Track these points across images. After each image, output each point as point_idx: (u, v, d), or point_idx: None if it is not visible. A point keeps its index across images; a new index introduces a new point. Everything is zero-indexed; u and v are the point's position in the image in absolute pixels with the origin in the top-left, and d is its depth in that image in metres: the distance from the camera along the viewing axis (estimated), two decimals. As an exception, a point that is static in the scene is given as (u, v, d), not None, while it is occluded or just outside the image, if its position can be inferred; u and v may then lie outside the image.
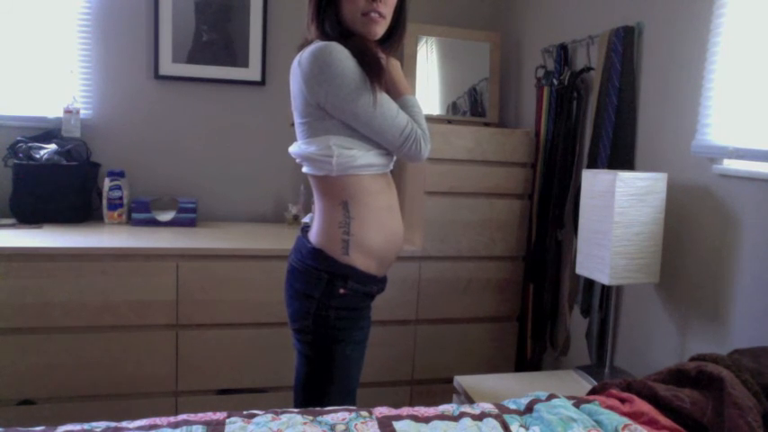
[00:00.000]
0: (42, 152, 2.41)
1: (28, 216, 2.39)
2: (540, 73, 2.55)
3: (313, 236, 1.46)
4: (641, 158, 2.01)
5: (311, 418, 1.18)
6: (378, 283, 1.50)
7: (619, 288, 2.06)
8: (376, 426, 1.16)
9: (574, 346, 2.33)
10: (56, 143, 2.47)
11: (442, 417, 1.22)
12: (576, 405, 1.27)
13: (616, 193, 1.70)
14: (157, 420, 1.17)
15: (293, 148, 1.48)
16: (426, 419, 1.20)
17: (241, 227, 2.65)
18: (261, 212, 2.83)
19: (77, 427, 1.12)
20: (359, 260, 1.43)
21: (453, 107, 2.76)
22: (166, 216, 2.55)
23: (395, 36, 1.50)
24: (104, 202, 2.53)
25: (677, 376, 1.33)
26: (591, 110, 2.17)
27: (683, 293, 1.82)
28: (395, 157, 1.51)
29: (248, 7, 2.69)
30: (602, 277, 1.76)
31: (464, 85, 2.77)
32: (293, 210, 2.75)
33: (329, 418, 1.19)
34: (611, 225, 1.71)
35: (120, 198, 2.53)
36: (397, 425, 1.17)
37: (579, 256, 1.88)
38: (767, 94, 1.56)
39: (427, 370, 2.49)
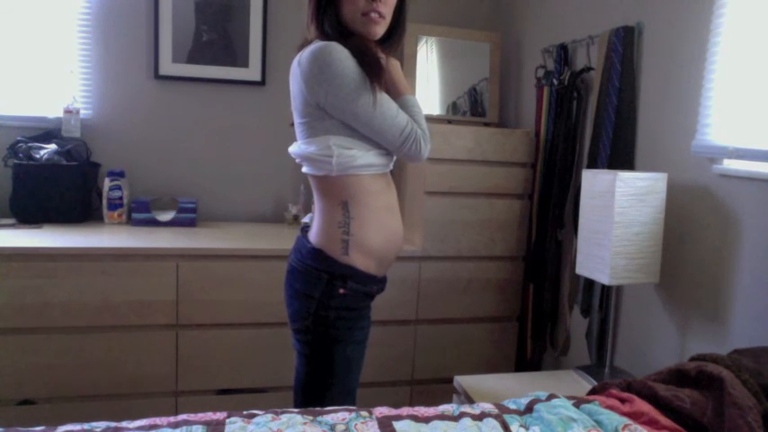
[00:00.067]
0: (42, 152, 2.41)
1: (28, 216, 2.39)
2: (540, 73, 2.55)
3: (313, 236, 1.46)
4: (641, 158, 2.01)
5: (311, 418, 1.18)
6: (377, 283, 1.50)
7: (619, 288, 2.06)
8: (376, 426, 1.16)
9: (574, 346, 2.33)
10: (56, 143, 2.47)
11: (442, 417, 1.22)
12: (576, 405, 1.27)
13: (616, 193, 1.70)
14: (157, 420, 1.17)
15: (293, 148, 1.48)
16: (426, 419, 1.20)
17: (241, 227, 2.65)
18: (261, 212, 2.83)
19: (77, 427, 1.12)
20: (359, 260, 1.43)
21: (453, 107, 2.76)
22: (166, 216, 2.55)
23: (395, 36, 1.50)
24: (104, 202, 2.53)
25: (677, 376, 1.33)
26: (591, 110, 2.17)
27: (683, 293, 1.82)
28: (395, 157, 1.51)
29: (248, 7, 2.69)
30: (602, 277, 1.76)
31: (464, 85, 2.77)
32: (293, 210, 2.75)
33: (329, 418, 1.19)
34: (611, 225, 1.71)
35: (120, 198, 2.53)
36: (397, 425, 1.17)
37: (579, 256, 1.88)
38: (767, 94, 1.56)
39: (427, 370, 2.49)
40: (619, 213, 1.71)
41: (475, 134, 2.40)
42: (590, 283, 2.14)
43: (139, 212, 2.50)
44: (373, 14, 1.39)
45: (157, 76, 2.64)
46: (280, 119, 2.71)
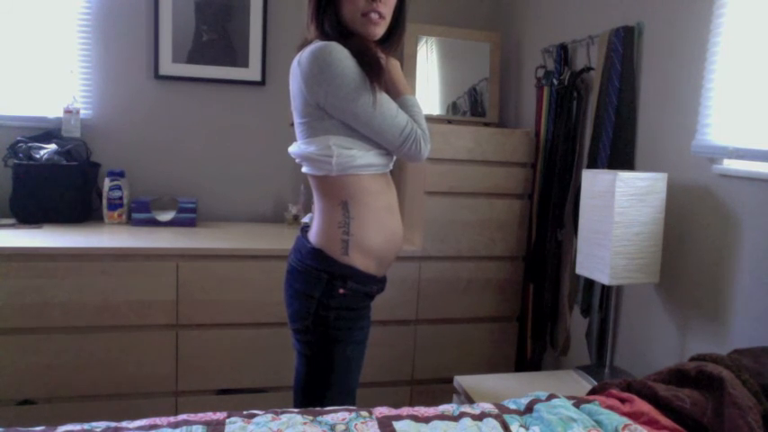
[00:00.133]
0: (42, 152, 2.41)
1: (28, 216, 2.39)
2: (540, 73, 2.54)
3: (313, 236, 1.46)
4: (641, 158, 2.01)
5: (311, 418, 1.18)
6: (377, 283, 1.50)
7: (619, 288, 2.06)
8: (376, 426, 1.16)
9: (574, 346, 2.33)
10: (56, 143, 2.47)
11: (442, 417, 1.22)
12: (576, 405, 1.27)
13: (616, 193, 1.70)
14: (157, 420, 1.17)
15: (293, 148, 1.48)
16: (426, 419, 1.20)
17: (241, 227, 2.65)
18: (261, 212, 2.83)
19: (77, 427, 1.12)
20: (358, 260, 1.43)
21: (453, 107, 2.76)
22: (166, 216, 2.55)
23: (394, 36, 1.50)
24: (104, 202, 2.53)
25: (677, 376, 1.33)
26: (591, 110, 2.17)
27: (683, 293, 1.82)
28: (395, 157, 1.51)
29: (248, 7, 2.69)
30: (602, 277, 1.76)
31: (464, 85, 2.77)
32: (293, 210, 2.75)
33: (329, 418, 1.19)
34: (611, 225, 1.71)
35: (120, 198, 2.53)
36: (397, 425, 1.17)
37: (579, 256, 1.88)
38: (767, 94, 1.56)
39: (427, 370, 2.49)
40: (619, 213, 1.71)
41: (475, 134, 2.40)
42: (590, 283, 2.14)
43: (139, 212, 2.50)
44: (373, 15, 1.39)
45: (157, 76, 2.64)
46: (280, 119, 2.71)
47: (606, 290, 2.05)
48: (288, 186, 2.83)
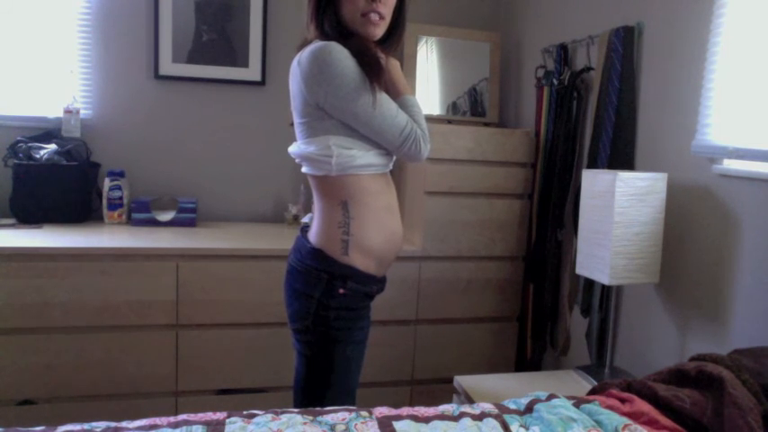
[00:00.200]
0: (42, 152, 2.41)
1: (28, 216, 2.40)
2: (540, 73, 2.54)
3: (312, 236, 1.46)
4: (641, 158, 2.01)
5: (311, 418, 1.18)
6: (377, 283, 1.50)
7: (619, 288, 2.06)
8: (376, 426, 1.16)
9: (574, 346, 2.33)
10: (56, 143, 2.47)
11: (442, 417, 1.22)
12: (576, 405, 1.27)
13: (616, 193, 1.70)
14: (157, 420, 1.17)
15: (293, 149, 1.48)
16: (426, 419, 1.20)
17: (241, 227, 2.65)
18: (261, 212, 2.83)
19: (77, 427, 1.12)
20: (358, 260, 1.43)
21: (453, 107, 2.76)
22: (166, 216, 2.55)
23: (394, 36, 1.50)
24: (104, 202, 2.53)
25: (677, 376, 1.33)
26: (591, 110, 2.17)
27: (683, 293, 1.82)
28: (394, 157, 1.51)
29: (248, 7, 2.69)
30: (602, 277, 1.76)
31: (464, 85, 2.77)
32: (293, 210, 2.75)
33: (329, 418, 1.19)
34: (611, 225, 1.71)
35: (120, 198, 2.53)
36: (397, 425, 1.17)
37: (579, 256, 1.88)
38: (767, 94, 1.56)
39: (427, 370, 2.49)
40: (619, 213, 1.71)
41: (475, 134, 2.40)
42: (590, 283, 2.14)
43: (139, 212, 2.50)
44: (373, 15, 1.39)
45: (157, 76, 2.64)
46: (280, 119, 2.71)
47: (606, 290, 2.05)
48: (288, 186, 2.83)
